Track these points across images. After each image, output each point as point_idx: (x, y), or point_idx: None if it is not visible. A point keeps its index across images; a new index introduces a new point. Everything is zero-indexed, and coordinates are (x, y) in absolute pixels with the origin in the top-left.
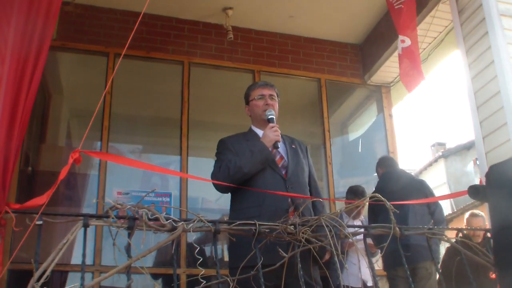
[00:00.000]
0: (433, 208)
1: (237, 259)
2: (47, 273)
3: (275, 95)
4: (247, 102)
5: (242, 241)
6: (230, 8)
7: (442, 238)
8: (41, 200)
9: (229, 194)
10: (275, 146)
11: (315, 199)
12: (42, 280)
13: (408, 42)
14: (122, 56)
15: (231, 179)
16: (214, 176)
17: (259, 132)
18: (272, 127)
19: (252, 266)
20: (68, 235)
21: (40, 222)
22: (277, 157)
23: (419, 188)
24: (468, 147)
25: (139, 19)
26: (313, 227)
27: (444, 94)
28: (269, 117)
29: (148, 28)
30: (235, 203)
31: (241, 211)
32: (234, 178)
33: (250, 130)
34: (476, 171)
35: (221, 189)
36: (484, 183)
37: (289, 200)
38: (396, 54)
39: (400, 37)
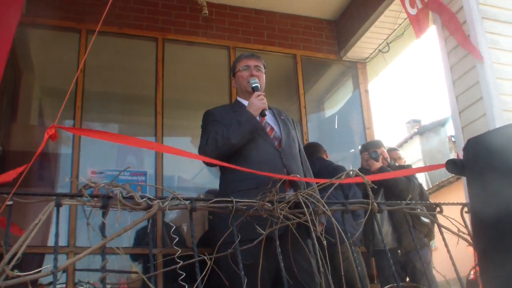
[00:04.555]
0: (346, 192)
1: (219, 235)
2: (18, 255)
3: (262, 66)
4: (233, 74)
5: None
6: None
7: (420, 213)
8: (9, 176)
9: (208, 171)
10: (262, 114)
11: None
12: (13, 263)
13: None
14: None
15: (219, 151)
16: (201, 149)
17: (246, 103)
18: (258, 95)
19: (232, 242)
20: (40, 215)
21: (10, 203)
22: (268, 128)
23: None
24: (443, 123)
25: None
26: (290, 203)
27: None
28: (253, 85)
29: (120, 3)
30: (227, 176)
31: (234, 183)
32: (222, 150)
33: (237, 101)
34: (451, 148)
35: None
36: (461, 157)
37: (285, 171)
38: (371, 30)
39: None
